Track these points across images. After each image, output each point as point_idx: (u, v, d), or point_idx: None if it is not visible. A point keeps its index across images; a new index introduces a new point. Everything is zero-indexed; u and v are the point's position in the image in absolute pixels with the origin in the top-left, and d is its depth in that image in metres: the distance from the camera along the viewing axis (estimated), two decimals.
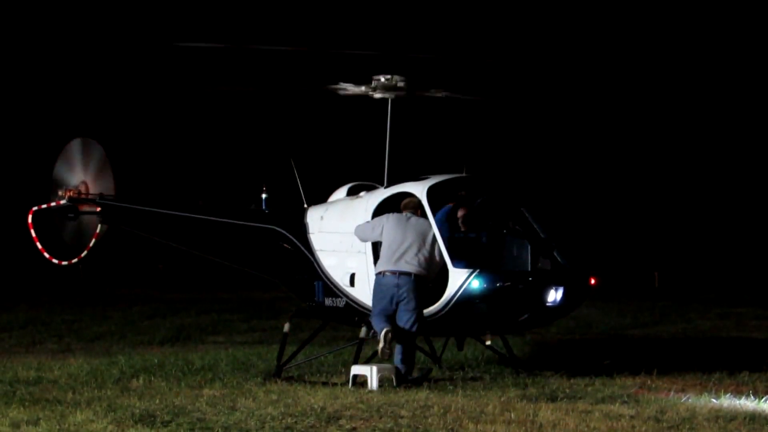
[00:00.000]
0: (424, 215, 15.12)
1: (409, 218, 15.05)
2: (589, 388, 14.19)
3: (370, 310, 15.21)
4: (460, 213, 15.75)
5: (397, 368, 14.82)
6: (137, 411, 11.96)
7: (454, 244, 15.19)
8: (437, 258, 14.92)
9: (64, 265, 19.42)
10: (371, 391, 14.00)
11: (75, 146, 19.66)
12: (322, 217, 16.25)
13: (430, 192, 15.34)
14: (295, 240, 16.49)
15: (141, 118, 49.93)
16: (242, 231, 17.39)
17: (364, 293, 15.27)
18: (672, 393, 13.85)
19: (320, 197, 16.88)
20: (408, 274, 14.75)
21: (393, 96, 16.00)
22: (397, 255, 14.78)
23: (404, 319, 14.75)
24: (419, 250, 14.80)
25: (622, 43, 51.35)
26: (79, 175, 19.47)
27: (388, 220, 15.09)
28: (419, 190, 15.37)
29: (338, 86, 15.99)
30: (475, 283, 14.68)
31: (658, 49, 51.22)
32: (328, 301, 16.05)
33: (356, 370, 14.91)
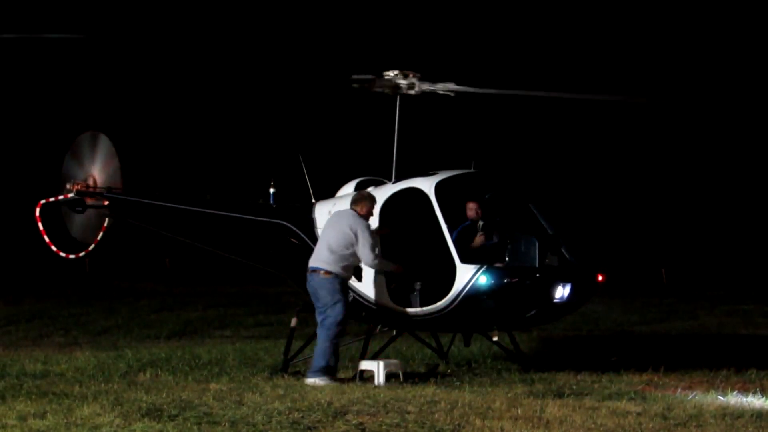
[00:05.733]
0: (366, 211, 15.08)
1: (338, 213, 15.21)
2: (596, 385, 14.18)
3: (376, 305, 15.23)
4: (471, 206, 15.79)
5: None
6: (144, 405, 11.95)
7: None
8: (349, 253, 14.85)
9: (72, 259, 19.42)
10: (378, 387, 13.99)
11: (84, 140, 19.65)
12: (329, 212, 16.22)
13: (438, 187, 15.31)
14: (302, 235, 16.48)
15: (149, 112, 49.98)
16: (250, 225, 17.37)
17: (371, 288, 15.26)
18: (679, 390, 13.84)
19: (328, 192, 16.86)
20: (315, 270, 14.90)
21: (402, 91, 15.97)
22: (315, 251, 15.02)
23: (318, 318, 14.85)
24: (331, 246, 14.89)
25: (635, 37, 51.31)
26: (87, 169, 19.46)
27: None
28: (427, 185, 15.34)
29: (348, 80, 15.95)
30: (483, 279, 14.66)
31: (667, 45, 51.16)
32: None
33: (363, 365, 14.91)
